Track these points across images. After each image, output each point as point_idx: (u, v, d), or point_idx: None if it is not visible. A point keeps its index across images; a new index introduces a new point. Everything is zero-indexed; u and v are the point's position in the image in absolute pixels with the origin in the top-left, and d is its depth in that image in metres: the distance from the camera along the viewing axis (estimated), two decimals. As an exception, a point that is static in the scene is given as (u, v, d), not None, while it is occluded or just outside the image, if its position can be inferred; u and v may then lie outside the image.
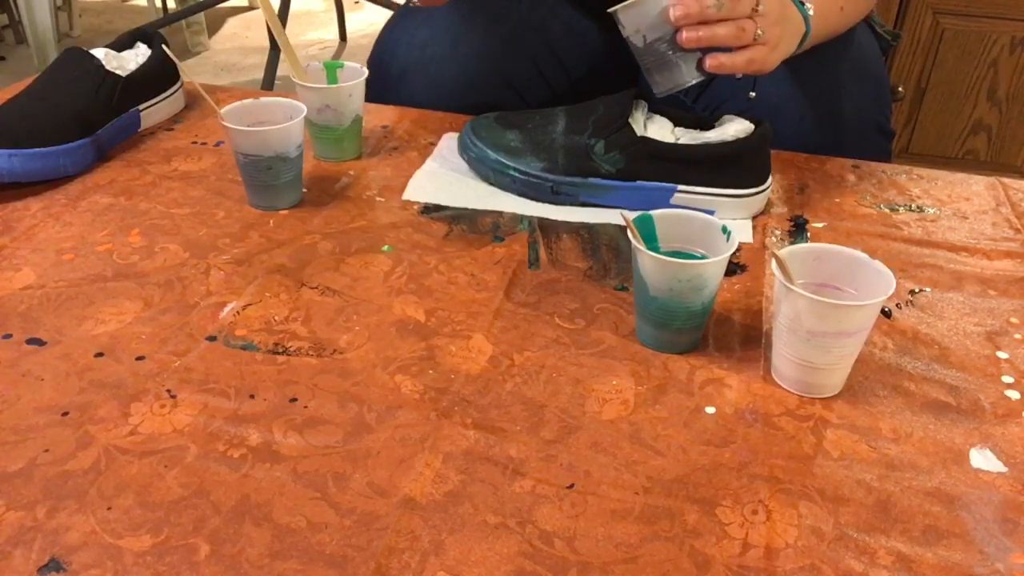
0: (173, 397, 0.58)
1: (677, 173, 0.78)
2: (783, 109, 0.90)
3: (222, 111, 0.78)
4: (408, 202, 0.83)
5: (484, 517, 0.50)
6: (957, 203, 0.85)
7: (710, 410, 0.58)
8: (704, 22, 0.69)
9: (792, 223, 0.80)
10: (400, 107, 1.01)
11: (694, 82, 0.73)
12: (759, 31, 0.71)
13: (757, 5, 0.71)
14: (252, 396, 0.58)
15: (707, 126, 0.80)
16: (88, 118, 0.86)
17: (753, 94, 0.81)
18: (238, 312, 0.66)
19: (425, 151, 0.92)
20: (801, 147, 0.91)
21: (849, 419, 0.58)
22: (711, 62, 0.71)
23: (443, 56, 1.00)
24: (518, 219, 0.80)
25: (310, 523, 0.49)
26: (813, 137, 0.91)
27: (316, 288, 0.69)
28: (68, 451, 0.53)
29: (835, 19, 0.88)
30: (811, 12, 0.79)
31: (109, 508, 0.49)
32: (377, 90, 1.01)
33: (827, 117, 0.91)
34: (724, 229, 0.62)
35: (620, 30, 0.73)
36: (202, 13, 2.85)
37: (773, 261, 0.58)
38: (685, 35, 0.69)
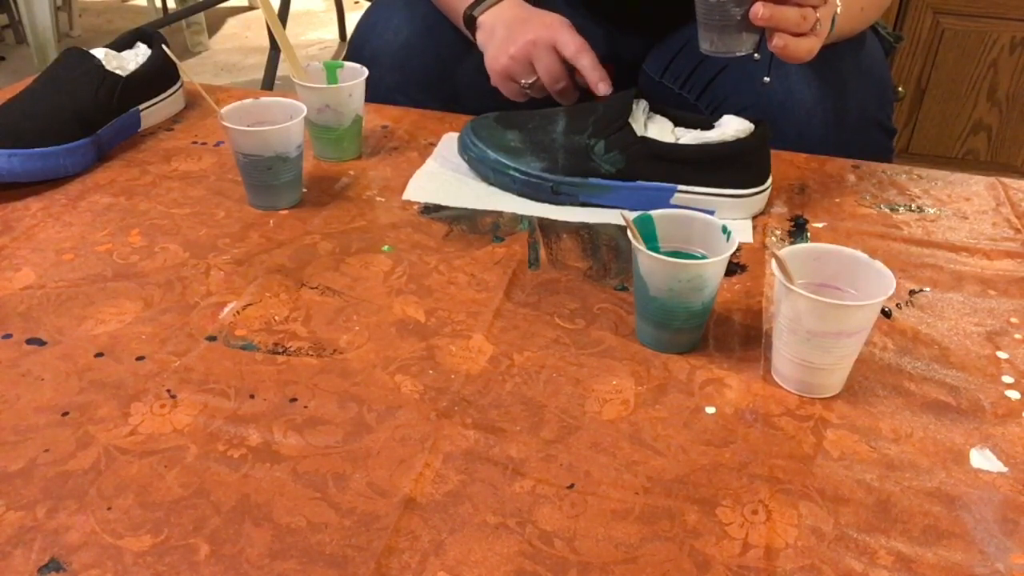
0: (173, 397, 0.58)
1: (677, 173, 0.78)
2: (788, 105, 0.90)
3: (222, 111, 0.78)
4: (408, 202, 0.83)
5: (484, 517, 0.50)
6: (957, 203, 0.85)
7: (710, 410, 0.58)
8: (781, 1, 0.70)
9: (792, 223, 0.80)
10: (400, 107, 1.01)
11: (742, 54, 0.74)
12: (819, 22, 0.73)
13: None
14: (252, 396, 0.58)
15: (707, 126, 0.80)
16: (88, 118, 0.86)
17: (767, 79, 0.81)
18: (238, 312, 0.66)
19: (425, 151, 0.92)
20: (805, 144, 0.91)
21: (849, 419, 0.58)
22: (778, 42, 0.72)
23: (416, 42, 1.00)
24: (518, 219, 0.80)
25: (310, 523, 0.49)
26: (817, 134, 0.91)
27: (316, 288, 0.69)
28: (68, 451, 0.53)
29: (856, 19, 0.90)
30: (839, 10, 0.80)
31: (109, 508, 0.49)
32: None
33: (832, 114, 0.91)
34: (724, 229, 0.62)
35: None
36: (202, 13, 2.85)
37: (773, 261, 0.58)
38: (762, 11, 0.70)
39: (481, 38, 0.93)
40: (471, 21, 0.93)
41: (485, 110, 0.89)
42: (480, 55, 0.93)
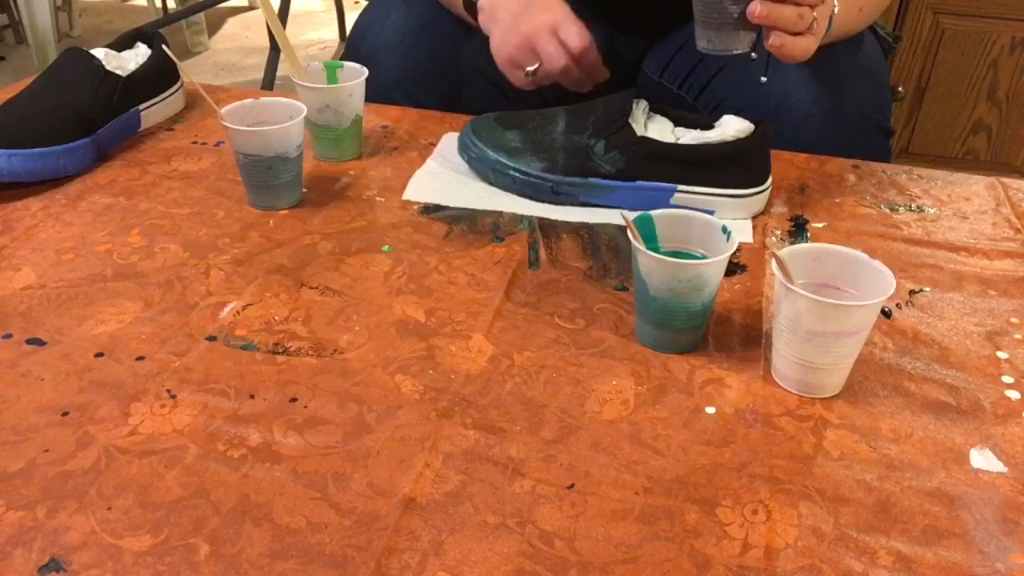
0: (173, 397, 0.58)
1: (677, 173, 0.78)
2: (786, 105, 0.90)
3: (222, 111, 0.78)
4: (408, 202, 0.83)
5: (484, 517, 0.50)
6: (957, 203, 0.85)
7: (710, 410, 0.58)
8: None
9: (792, 223, 0.80)
10: (400, 107, 1.01)
11: (740, 53, 0.74)
12: (815, 21, 0.73)
13: None
14: (252, 396, 0.58)
15: (707, 126, 0.80)
16: (88, 118, 0.86)
17: (765, 79, 0.81)
18: (238, 312, 0.66)
19: (425, 151, 0.92)
20: (802, 144, 0.91)
21: (849, 419, 0.58)
22: (775, 40, 0.72)
23: (414, 38, 1.01)
24: (518, 219, 0.80)
25: (310, 523, 0.49)
26: (815, 134, 0.91)
27: (316, 288, 0.69)
28: (68, 451, 0.53)
29: (854, 19, 0.90)
30: (836, 10, 0.80)
31: (109, 508, 0.49)
32: None
33: (829, 114, 0.91)
34: (724, 229, 0.62)
35: None
36: (202, 13, 2.85)
37: (773, 261, 0.58)
38: (759, 9, 0.70)
39: (483, 20, 0.93)
40: (471, 6, 0.94)
41: (484, 106, 0.89)
42: (479, 51, 0.93)
